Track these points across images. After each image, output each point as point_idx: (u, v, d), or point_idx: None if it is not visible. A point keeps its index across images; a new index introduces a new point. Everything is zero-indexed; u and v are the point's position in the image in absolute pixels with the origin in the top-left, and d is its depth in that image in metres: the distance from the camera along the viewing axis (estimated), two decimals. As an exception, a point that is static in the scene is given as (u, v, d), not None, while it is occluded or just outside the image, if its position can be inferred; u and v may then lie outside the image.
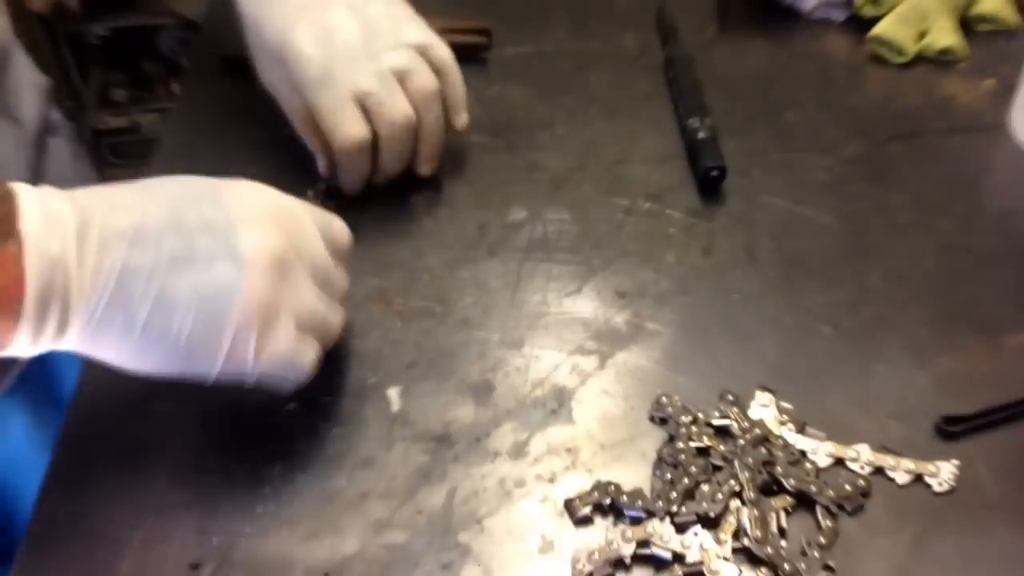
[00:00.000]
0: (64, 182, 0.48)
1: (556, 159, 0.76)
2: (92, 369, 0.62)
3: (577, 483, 0.55)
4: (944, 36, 0.84)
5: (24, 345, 0.45)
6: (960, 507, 0.53)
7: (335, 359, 0.61)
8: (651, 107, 0.81)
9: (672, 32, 0.87)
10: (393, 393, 0.59)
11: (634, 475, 0.55)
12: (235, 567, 0.51)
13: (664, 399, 0.57)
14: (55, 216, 0.44)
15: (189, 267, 0.47)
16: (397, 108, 0.65)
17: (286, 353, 0.50)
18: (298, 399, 0.57)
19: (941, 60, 0.85)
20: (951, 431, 0.56)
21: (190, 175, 0.53)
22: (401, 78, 0.65)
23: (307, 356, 0.52)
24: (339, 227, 0.57)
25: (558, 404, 0.59)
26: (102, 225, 0.46)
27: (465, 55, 0.85)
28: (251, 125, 0.79)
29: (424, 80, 0.66)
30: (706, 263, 0.67)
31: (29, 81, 0.77)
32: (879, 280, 0.66)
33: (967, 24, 0.88)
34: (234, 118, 0.81)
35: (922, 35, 0.85)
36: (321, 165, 0.70)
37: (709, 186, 0.73)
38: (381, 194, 0.72)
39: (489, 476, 0.55)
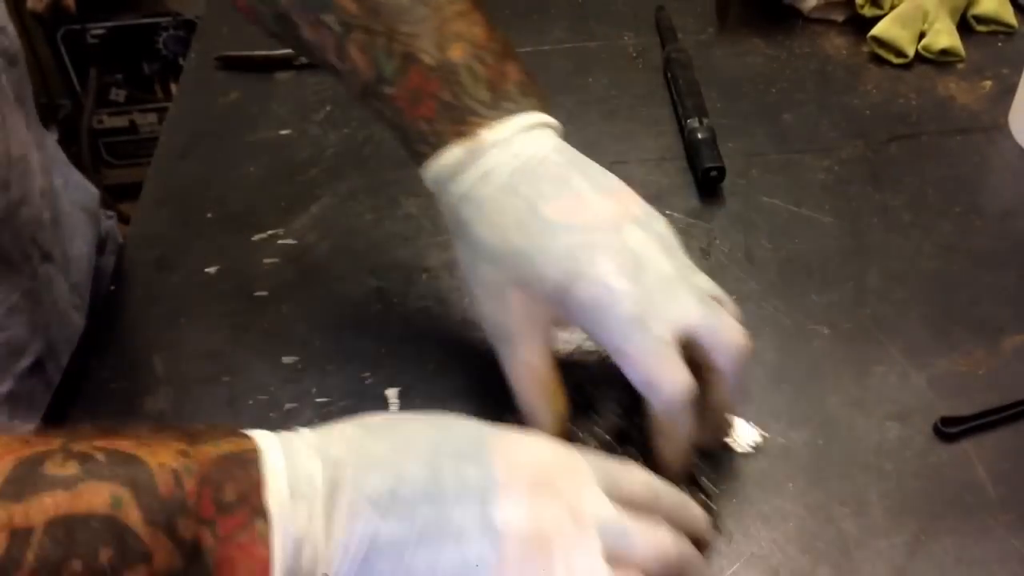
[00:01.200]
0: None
1: (555, 159, 0.76)
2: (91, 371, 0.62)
3: (575, 484, 0.54)
4: (943, 37, 0.84)
5: None
6: (959, 508, 0.53)
7: (335, 359, 0.61)
8: (650, 107, 0.81)
9: (671, 32, 0.87)
10: (392, 393, 0.59)
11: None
12: None
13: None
14: (305, 481, 0.39)
15: (440, 541, 0.40)
16: (735, 330, 0.51)
17: None
18: (297, 399, 0.57)
19: (940, 61, 0.85)
20: (949, 432, 0.56)
21: (453, 415, 0.45)
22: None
23: None
24: (634, 479, 0.45)
25: (556, 405, 0.58)
26: (353, 488, 0.40)
27: (464, 55, 0.86)
28: (250, 125, 0.79)
29: (733, 306, 0.54)
30: (705, 263, 0.67)
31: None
32: (878, 281, 0.66)
33: (966, 25, 0.88)
34: (233, 118, 0.81)
35: (921, 36, 0.85)
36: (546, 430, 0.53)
37: (708, 186, 0.73)
38: (381, 195, 0.72)
39: (487, 477, 0.55)
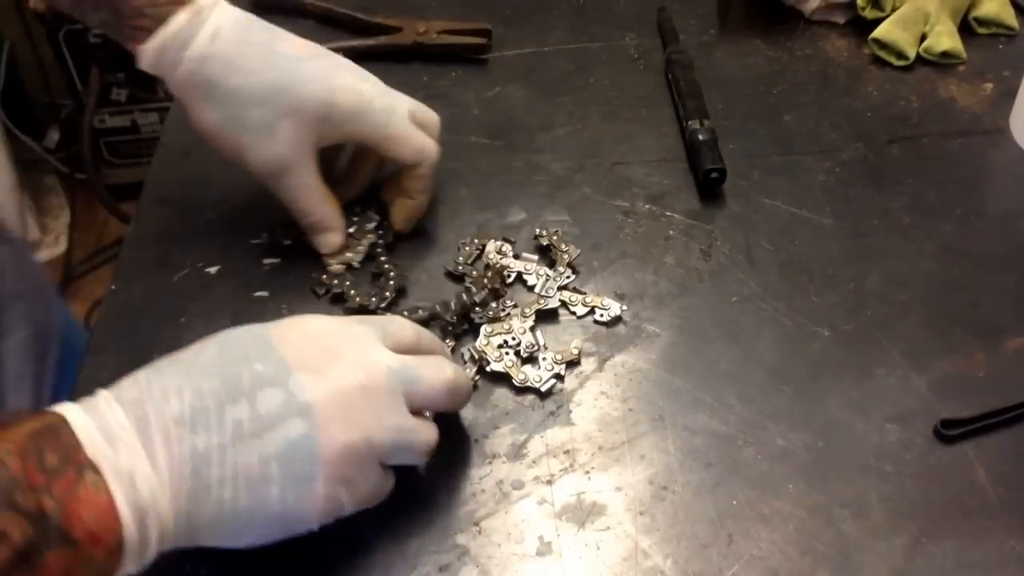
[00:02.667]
0: None
1: (556, 160, 0.76)
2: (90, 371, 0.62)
3: (575, 485, 0.54)
4: (945, 39, 0.84)
5: (133, 565, 0.43)
6: (959, 510, 0.53)
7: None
8: (651, 109, 0.81)
9: (672, 34, 0.87)
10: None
11: (633, 477, 0.55)
12: (230, 566, 0.51)
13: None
14: (115, 426, 0.43)
15: (259, 435, 0.44)
16: (431, 111, 0.67)
17: (377, 488, 0.49)
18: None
19: (942, 63, 0.85)
20: (950, 434, 0.56)
21: (230, 328, 0.49)
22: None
23: (391, 482, 0.50)
24: (398, 327, 0.52)
25: (556, 406, 0.59)
26: (157, 416, 0.43)
27: (465, 56, 0.86)
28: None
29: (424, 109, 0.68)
30: (705, 265, 0.67)
31: None
32: (878, 283, 0.66)
33: (968, 27, 0.88)
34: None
35: (923, 38, 0.85)
36: (338, 239, 0.66)
37: (709, 188, 0.73)
38: (379, 196, 0.72)
39: (487, 478, 0.55)
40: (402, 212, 0.67)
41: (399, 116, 0.64)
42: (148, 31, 0.58)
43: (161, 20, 0.58)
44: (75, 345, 0.81)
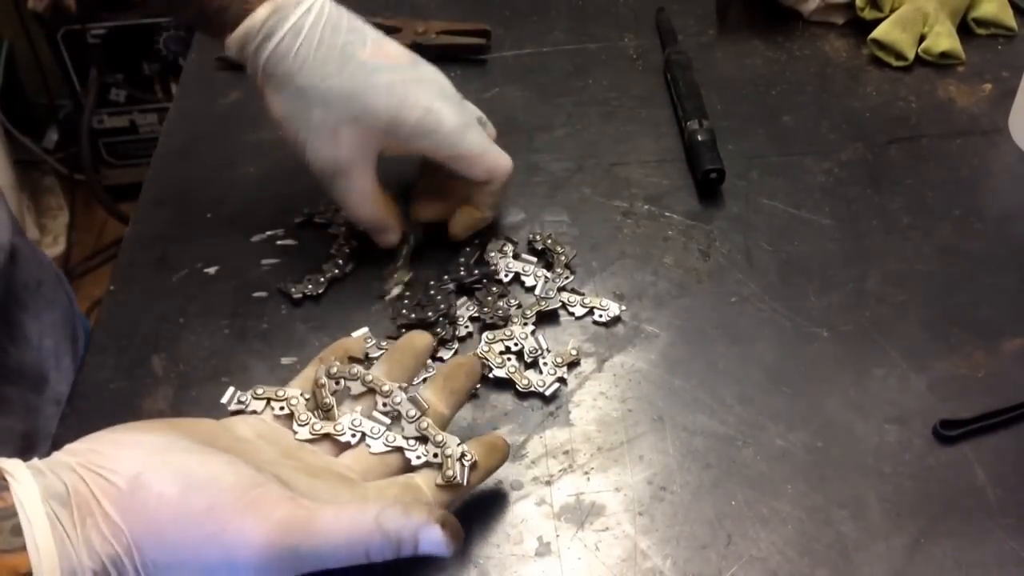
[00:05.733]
0: None
1: (555, 161, 0.76)
2: (88, 369, 0.62)
3: (574, 486, 0.54)
4: (943, 40, 0.84)
5: None
6: (958, 511, 0.53)
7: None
8: (650, 109, 0.81)
9: (671, 34, 0.87)
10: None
11: (632, 477, 0.55)
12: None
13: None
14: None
15: None
16: (491, 129, 0.67)
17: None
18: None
19: (940, 64, 0.85)
20: (949, 435, 0.56)
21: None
22: None
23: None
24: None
25: (555, 406, 0.59)
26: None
27: (464, 56, 0.86)
28: (249, 125, 0.79)
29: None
30: (704, 265, 0.67)
31: None
32: (877, 283, 0.66)
33: (967, 28, 0.88)
34: (233, 118, 0.81)
35: (922, 39, 0.85)
36: (393, 239, 0.66)
37: (708, 188, 0.73)
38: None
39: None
40: (465, 223, 0.67)
41: (471, 135, 0.63)
42: (233, 24, 0.60)
43: (245, 14, 0.59)
44: (89, 334, 0.81)
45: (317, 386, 0.52)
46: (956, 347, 0.62)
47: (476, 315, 0.63)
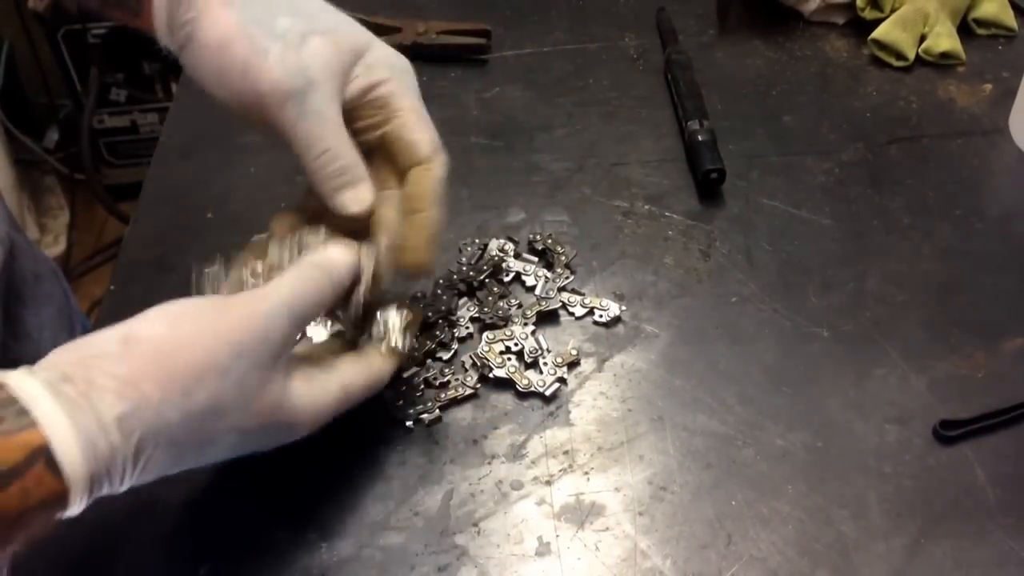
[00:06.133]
0: None
1: (555, 161, 0.76)
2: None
3: (574, 485, 0.54)
4: (944, 40, 0.84)
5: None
6: (957, 511, 0.53)
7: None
8: (650, 109, 0.81)
9: (672, 34, 0.87)
10: (390, 395, 0.59)
11: (632, 477, 0.55)
12: (231, 565, 0.51)
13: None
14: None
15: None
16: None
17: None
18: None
19: (941, 64, 0.85)
20: (949, 435, 0.56)
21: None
22: None
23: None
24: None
25: (556, 406, 0.59)
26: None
27: (464, 56, 0.86)
28: (250, 125, 0.79)
29: None
30: (704, 265, 0.67)
31: None
32: (877, 283, 0.66)
33: (967, 28, 0.88)
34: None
35: (922, 39, 0.85)
36: (367, 194, 0.54)
37: (708, 188, 0.73)
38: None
39: (486, 478, 0.55)
40: (418, 235, 0.55)
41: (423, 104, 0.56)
42: None
43: None
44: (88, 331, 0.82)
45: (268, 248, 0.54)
46: (956, 347, 0.62)
47: (476, 315, 0.63)
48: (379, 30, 0.85)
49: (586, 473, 0.55)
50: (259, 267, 0.53)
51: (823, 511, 0.53)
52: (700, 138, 0.74)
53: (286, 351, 0.47)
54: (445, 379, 0.59)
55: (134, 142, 1.98)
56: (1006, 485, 0.54)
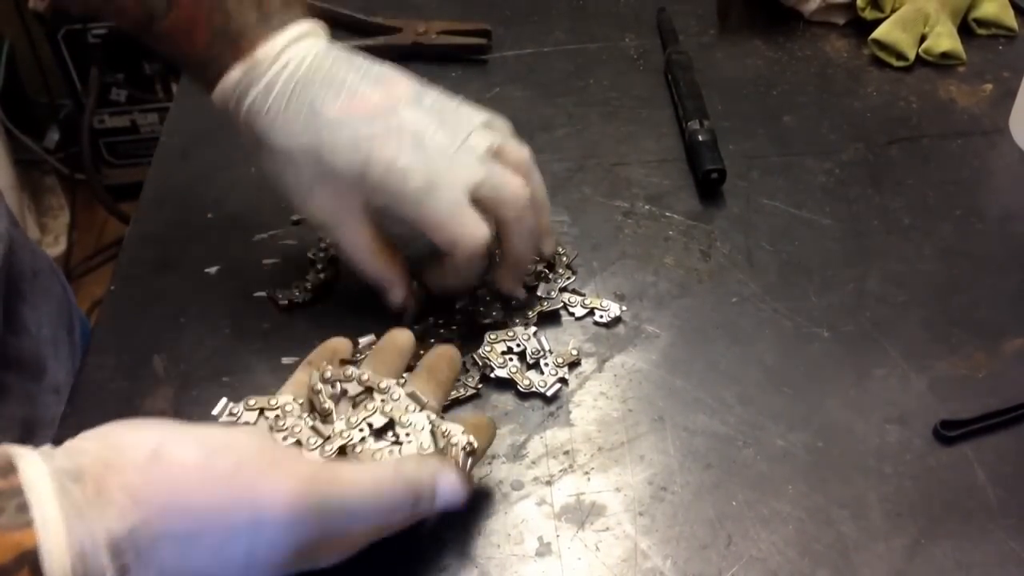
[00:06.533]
0: None
1: (555, 161, 0.76)
2: (90, 362, 0.62)
3: (575, 486, 0.54)
4: (944, 40, 0.84)
5: None
6: (958, 512, 0.53)
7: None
8: (651, 109, 0.81)
9: (672, 34, 0.87)
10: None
11: (632, 477, 0.55)
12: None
13: None
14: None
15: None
16: (514, 183, 0.58)
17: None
18: (296, 400, 0.57)
19: (941, 64, 0.85)
20: (949, 435, 0.56)
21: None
22: (496, 155, 0.59)
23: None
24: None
25: (556, 406, 0.59)
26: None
27: (465, 56, 0.86)
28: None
29: (517, 149, 0.60)
30: (705, 266, 0.67)
31: None
32: (878, 283, 0.66)
33: (967, 28, 0.88)
34: (230, 128, 0.80)
35: (922, 39, 0.85)
36: (398, 296, 0.61)
37: (708, 188, 0.73)
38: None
39: (486, 478, 0.55)
40: (431, 276, 0.62)
41: (439, 197, 0.56)
42: (213, 83, 0.59)
43: (223, 73, 0.58)
44: (87, 329, 0.82)
45: (313, 392, 0.51)
46: (956, 347, 0.62)
47: (477, 316, 0.63)
48: (379, 30, 0.86)
49: (586, 473, 0.55)
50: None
51: (823, 511, 0.53)
52: (700, 138, 0.74)
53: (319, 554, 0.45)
54: None
55: (134, 142, 1.98)
56: (1006, 485, 0.54)
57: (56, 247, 1.99)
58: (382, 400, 0.51)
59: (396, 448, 0.50)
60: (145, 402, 0.59)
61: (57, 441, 0.53)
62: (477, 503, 0.54)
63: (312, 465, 0.44)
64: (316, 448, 0.49)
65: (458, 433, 0.50)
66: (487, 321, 0.62)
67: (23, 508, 0.38)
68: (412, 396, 0.51)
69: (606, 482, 0.55)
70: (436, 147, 0.57)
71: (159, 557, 0.39)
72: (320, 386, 0.51)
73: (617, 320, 0.63)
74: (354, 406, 0.52)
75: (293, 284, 0.65)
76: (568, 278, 0.65)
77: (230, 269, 0.67)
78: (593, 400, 0.59)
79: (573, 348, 0.61)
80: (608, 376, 0.60)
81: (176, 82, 1.83)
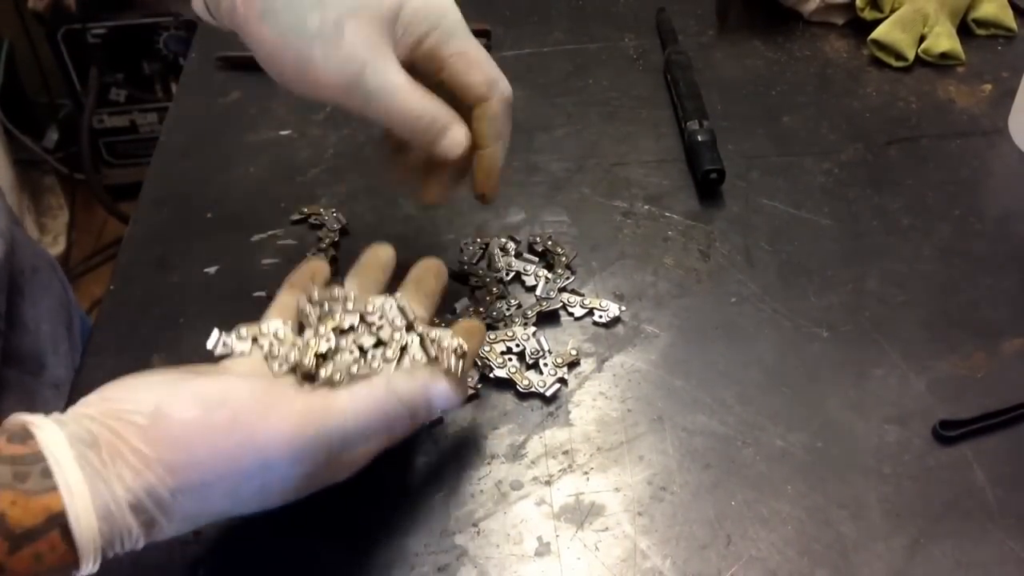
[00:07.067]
0: None
1: (555, 161, 0.76)
2: (90, 360, 0.62)
3: (574, 486, 0.55)
4: (943, 40, 0.84)
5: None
6: (957, 512, 0.53)
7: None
8: (650, 109, 0.81)
9: (671, 34, 0.87)
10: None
11: (632, 477, 0.55)
12: (228, 566, 0.51)
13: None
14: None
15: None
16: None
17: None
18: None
19: (940, 64, 0.85)
20: (948, 435, 0.56)
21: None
22: None
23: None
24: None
25: (555, 406, 0.59)
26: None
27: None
28: (250, 125, 0.79)
29: None
30: (704, 266, 0.67)
31: None
32: (877, 284, 0.66)
33: (967, 28, 0.88)
34: (233, 118, 0.81)
35: (922, 39, 0.85)
36: (460, 135, 0.55)
37: (708, 189, 0.73)
38: (381, 196, 0.72)
39: (486, 478, 0.55)
40: (483, 170, 0.58)
41: (471, 36, 0.55)
42: None
43: None
44: (87, 326, 0.82)
45: (302, 314, 0.51)
46: (956, 347, 0.62)
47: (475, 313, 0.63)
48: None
49: (586, 473, 0.55)
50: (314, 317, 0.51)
51: (823, 511, 0.53)
52: (700, 138, 0.74)
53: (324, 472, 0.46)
54: None
55: (134, 142, 1.98)
56: (1006, 485, 0.54)
57: (55, 247, 1.99)
58: (370, 321, 0.51)
59: (385, 364, 0.49)
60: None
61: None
62: (476, 501, 0.54)
63: (305, 400, 0.46)
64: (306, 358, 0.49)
65: (447, 338, 0.51)
66: (485, 319, 0.62)
67: (47, 473, 0.39)
68: (401, 310, 0.51)
69: (605, 482, 0.55)
70: None
71: (180, 507, 0.42)
72: (308, 308, 0.51)
73: (616, 320, 0.63)
74: (344, 329, 0.51)
75: None
76: (567, 278, 0.65)
77: (230, 269, 0.67)
78: (592, 400, 0.59)
79: (572, 348, 0.61)
80: (607, 376, 0.60)
81: (176, 82, 1.83)
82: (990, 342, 0.62)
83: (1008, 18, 0.88)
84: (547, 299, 0.64)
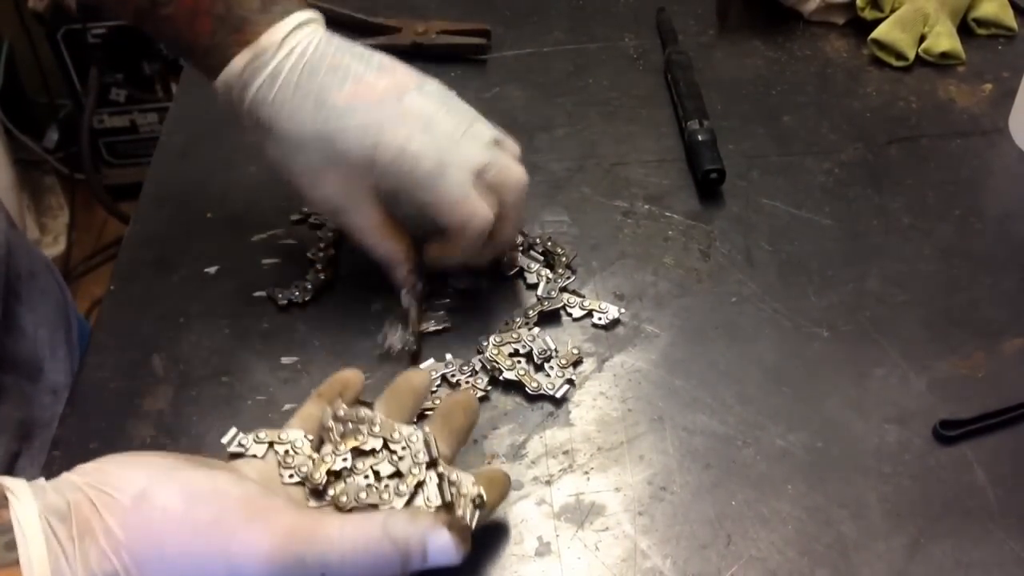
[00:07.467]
0: None
1: (555, 161, 0.76)
2: (89, 361, 0.62)
3: (574, 485, 0.54)
4: (944, 40, 0.84)
5: None
6: (957, 512, 0.53)
7: (334, 360, 0.61)
8: (650, 109, 0.81)
9: (672, 34, 0.87)
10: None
11: (632, 477, 0.55)
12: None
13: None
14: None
15: None
16: (517, 170, 0.61)
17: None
18: (296, 399, 0.57)
19: (941, 64, 0.85)
20: (949, 435, 0.56)
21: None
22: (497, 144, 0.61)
23: None
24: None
25: (556, 406, 0.59)
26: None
27: (464, 56, 0.86)
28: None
29: (512, 141, 0.62)
30: (704, 266, 0.67)
31: None
32: (877, 283, 0.66)
33: (967, 28, 0.88)
34: (233, 118, 0.80)
35: (922, 39, 0.85)
36: (402, 272, 0.62)
37: (708, 188, 0.73)
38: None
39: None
40: (432, 257, 0.63)
41: (450, 178, 0.58)
42: (217, 70, 0.59)
43: (226, 61, 0.58)
44: (86, 330, 0.82)
45: (324, 430, 0.50)
46: (956, 347, 0.62)
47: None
48: (379, 30, 0.86)
49: (586, 473, 0.55)
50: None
51: (823, 511, 0.53)
52: (700, 138, 0.74)
53: None
54: (455, 381, 0.60)
55: (134, 142, 1.98)
56: (1006, 485, 0.54)
57: (55, 247, 1.98)
58: (393, 449, 0.49)
59: (397, 498, 0.48)
60: (145, 402, 0.59)
61: (56, 442, 0.53)
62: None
63: (295, 517, 0.44)
64: (316, 475, 0.48)
65: (468, 484, 0.49)
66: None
67: (11, 546, 0.39)
68: (427, 445, 0.49)
69: (605, 482, 0.55)
70: (443, 132, 0.58)
71: None
72: (332, 424, 0.50)
73: (616, 321, 0.63)
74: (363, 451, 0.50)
75: (293, 284, 0.65)
76: (568, 278, 0.65)
77: (230, 269, 0.67)
78: (593, 400, 0.59)
79: (574, 348, 0.61)
80: (608, 376, 0.60)
81: (176, 82, 1.83)
82: (990, 342, 0.62)
83: (1008, 17, 0.88)
84: (548, 299, 0.64)
